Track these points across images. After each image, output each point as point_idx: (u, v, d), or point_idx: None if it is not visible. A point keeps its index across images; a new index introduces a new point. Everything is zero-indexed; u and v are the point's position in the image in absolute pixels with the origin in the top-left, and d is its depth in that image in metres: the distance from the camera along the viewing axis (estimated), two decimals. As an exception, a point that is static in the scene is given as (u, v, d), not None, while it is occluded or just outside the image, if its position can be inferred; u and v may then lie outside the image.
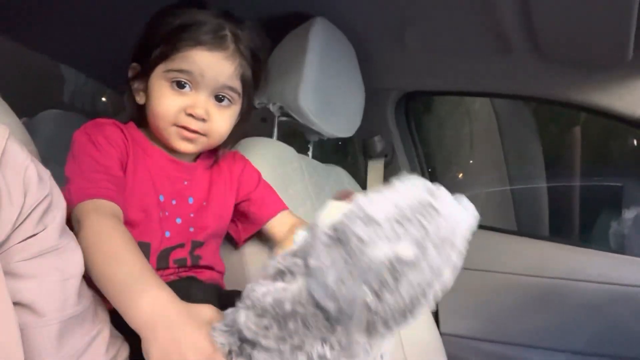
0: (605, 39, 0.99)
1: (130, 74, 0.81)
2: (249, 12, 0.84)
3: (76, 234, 0.61)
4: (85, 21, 1.27)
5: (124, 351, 0.54)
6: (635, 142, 1.64)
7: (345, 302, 0.46)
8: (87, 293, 0.50)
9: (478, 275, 1.34)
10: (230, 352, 0.55)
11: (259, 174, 0.92)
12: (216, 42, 0.76)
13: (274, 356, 0.52)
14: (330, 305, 0.47)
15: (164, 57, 0.75)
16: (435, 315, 1.39)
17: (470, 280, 1.35)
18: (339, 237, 0.47)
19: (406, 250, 0.44)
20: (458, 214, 0.49)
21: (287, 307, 0.50)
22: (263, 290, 0.52)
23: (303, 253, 0.52)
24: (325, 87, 1.11)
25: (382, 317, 0.46)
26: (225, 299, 0.65)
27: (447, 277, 0.48)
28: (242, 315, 0.52)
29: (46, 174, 0.49)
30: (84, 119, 1.70)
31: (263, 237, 0.90)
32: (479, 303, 1.34)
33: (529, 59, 1.14)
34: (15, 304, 0.42)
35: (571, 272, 1.23)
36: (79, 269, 0.48)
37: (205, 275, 0.81)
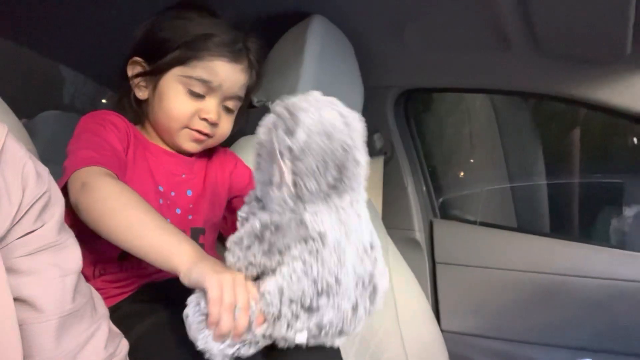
0: (603, 34, 0.99)
1: (131, 68, 0.82)
2: (248, 11, 0.85)
3: (77, 194, 0.62)
4: (86, 22, 1.27)
5: (124, 348, 0.54)
6: (635, 138, 1.64)
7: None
8: (86, 290, 0.50)
9: (479, 272, 1.34)
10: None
11: (250, 172, 0.93)
12: (235, 56, 0.80)
13: (276, 274, 0.57)
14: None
15: (183, 62, 0.77)
16: (436, 312, 1.39)
17: (471, 277, 1.35)
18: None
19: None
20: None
21: (257, 224, 0.57)
22: (235, 234, 0.60)
23: (251, 197, 0.62)
24: (324, 85, 1.11)
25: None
26: None
27: None
28: (228, 256, 0.59)
29: (44, 170, 0.49)
30: (84, 120, 1.71)
31: None
32: (480, 300, 1.34)
33: (528, 55, 1.14)
34: (15, 299, 0.42)
35: (572, 268, 1.23)
36: (78, 266, 0.49)
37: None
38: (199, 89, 0.78)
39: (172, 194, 0.80)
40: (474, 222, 1.45)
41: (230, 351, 0.55)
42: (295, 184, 0.56)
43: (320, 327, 0.57)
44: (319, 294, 0.56)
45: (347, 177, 0.59)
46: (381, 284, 0.61)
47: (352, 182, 0.60)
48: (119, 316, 0.59)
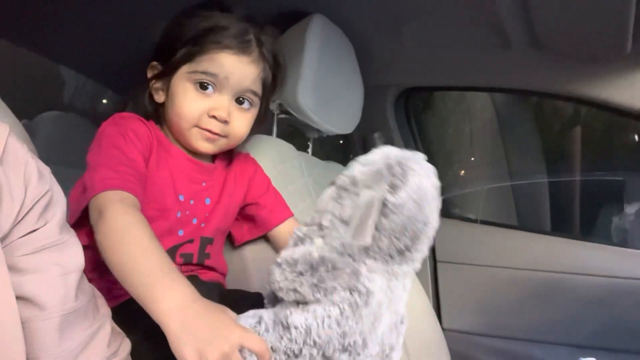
0: (603, 32, 0.99)
1: (149, 72, 0.81)
2: (248, 10, 0.84)
3: (95, 222, 0.61)
4: (86, 23, 1.27)
5: (126, 347, 0.54)
6: (635, 135, 1.64)
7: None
8: (88, 288, 0.50)
9: (480, 271, 1.34)
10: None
11: (269, 180, 0.93)
12: (242, 47, 0.77)
13: (309, 309, 0.55)
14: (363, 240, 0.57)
15: (189, 58, 0.76)
16: (438, 311, 1.39)
17: (472, 275, 1.35)
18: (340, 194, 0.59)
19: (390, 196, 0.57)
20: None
21: (315, 254, 0.56)
22: (289, 252, 0.58)
23: (314, 221, 0.61)
24: (324, 84, 1.11)
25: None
26: (227, 298, 0.65)
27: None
28: (276, 272, 0.57)
29: (46, 170, 0.49)
30: (83, 121, 1.71)
31: (264, 239, 0.91)
32: (481, 298, 1.34)
33: (528, 53, 1.14)
34: (17, 298, 0.42)
35: (574, 266, 1.23)
36: (79, 264, 0.49)
37: (207, 276, 0.82)
38: (206, 83, 0.76)
39: (191, 202, 0.79)
40: (474, 221, 1.45)
41: None
42: (372, 236, 0.57)
43: None
44: (343, 349, 0.54)
45: (416, 249, 0.59)
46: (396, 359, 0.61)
47: (415, 255, 0.60)
48: (121, 316, 0.58)
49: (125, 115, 0.77)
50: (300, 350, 0.54)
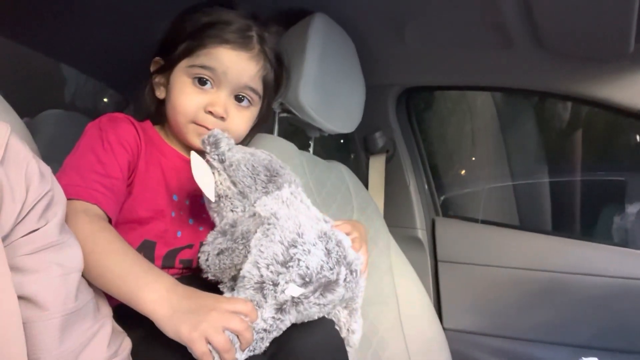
0: (606, 32, 0.98)
1: (152, 68, 0.81)
2: (250, 8, 0.84)
3: None
4: (88, 21, 1.27)
5: (126, 346, 0.54)
6: (637, 135, 1.63)
7: None
8: (88, 289, 0.50)
9: (481, 270, 1.34)
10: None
11: None
12: (242, 42, 0.77)
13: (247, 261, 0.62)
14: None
15: (189, 52, 0.76)
16: (439, 310, 1.39)
17: (473, 275, 1.35)
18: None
19: None
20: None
21: (218, 228, 0.69)
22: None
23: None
24: (326, 83, 1.11)
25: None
26: None
27: None
28: (200, 256, 0.67)
29: (47, 170, 0.49)
30: (85, 119, 1.71)
31: None
32: (482, 298, 1.33)
33: (530, 53, 1.14)
34: (18, 297, 0.42)
35: (574, 266, 1.22)
36: (79, 265, 0.49)
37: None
38: (204, 78, 0.75)
39: (187, 202, 0.79)
40: (475, 220, 1.45)
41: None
42: (234, 184, 0.69)
43: (303, 276, 0.60)
44: (287, 247, 0.61)
45: (279, 174, 0.72)
46: (345, 241, 0.69)
47: (285, 178, 0.72)
48: (122, 316, 0.59)
49: (114, 117, 0.75)
50: (261, 275, 0.60)
